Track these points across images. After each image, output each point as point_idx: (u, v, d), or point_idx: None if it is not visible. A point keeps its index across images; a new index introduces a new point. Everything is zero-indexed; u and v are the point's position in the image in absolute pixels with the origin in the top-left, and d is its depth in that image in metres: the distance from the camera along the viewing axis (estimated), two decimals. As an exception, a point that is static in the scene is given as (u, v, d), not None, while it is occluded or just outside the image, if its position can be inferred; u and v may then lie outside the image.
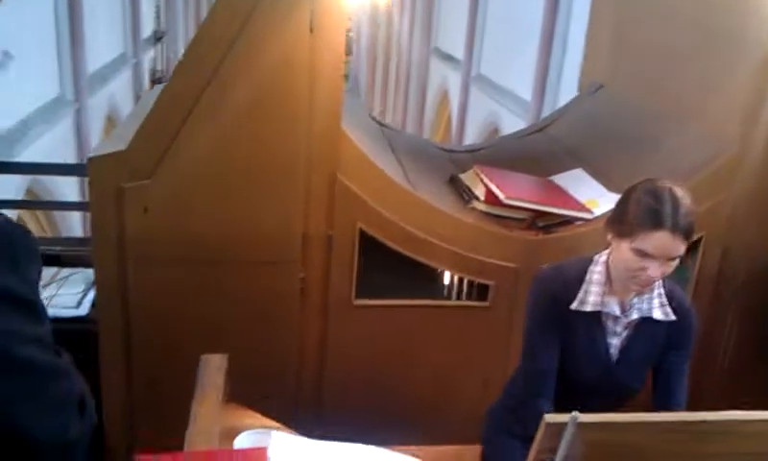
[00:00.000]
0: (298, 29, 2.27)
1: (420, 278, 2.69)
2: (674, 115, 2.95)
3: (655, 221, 1.78)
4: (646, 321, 2.00)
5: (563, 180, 3.01)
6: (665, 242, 1.78)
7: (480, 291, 2.69)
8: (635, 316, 1.99)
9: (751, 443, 1.31)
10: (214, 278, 2.46)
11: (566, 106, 3.73)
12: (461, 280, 2.74)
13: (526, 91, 10.41)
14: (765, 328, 2.71)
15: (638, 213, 1.82)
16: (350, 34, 21.27)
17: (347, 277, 2.55)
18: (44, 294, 3.01)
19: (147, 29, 14.25)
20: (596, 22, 3.70)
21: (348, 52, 21.44)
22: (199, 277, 2.45)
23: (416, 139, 4.99)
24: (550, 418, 1.25)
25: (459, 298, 2.75)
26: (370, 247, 2.55)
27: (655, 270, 1.82)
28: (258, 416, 1.70)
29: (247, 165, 2.37)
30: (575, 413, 1.22)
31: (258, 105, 2.32)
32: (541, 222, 2.72)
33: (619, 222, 1.89)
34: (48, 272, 3.15)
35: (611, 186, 2.87)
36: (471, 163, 3.09)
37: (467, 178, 2.96)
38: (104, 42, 11.13)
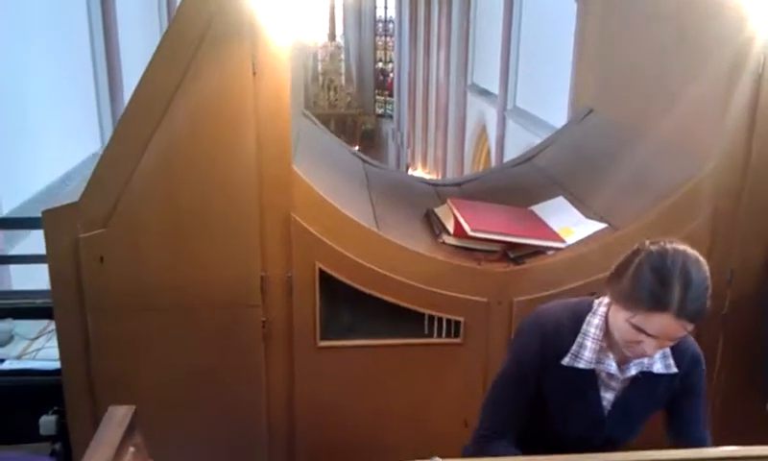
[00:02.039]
0: (240, 73, 2.28)
1: (393, 317, 2.62)
2: (653, 137, 2.84)
3: (658, 304, 1.58)
4: (646, 374, 1.81)
5: (542, 208, 2.92)
6: (667, 326, 1.59)
7: (454, 328, 2.61)
8: (633, 371, 1.80)
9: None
10: (174, 325, 2.45)
11: (556, 133, 3.64)
12: (432, 318, 2.66)
13: (561, 121, 10.27)
14: (755, 354, 2.53)
15: (640, 290, 1.60)
16: (391, 74, 21.53)
17: (309, 318, 2.50)
18: (32, 347, 3.08)
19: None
20: (583, 48, 3.63)
21: (390, 92, 21.69)
22: (158, 324, 2.44)
23: (399, 174, 4.95)
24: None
25: (433, 335, 2.67)
26: (338, 287, 2.51)
27: (650, 348, 1.64)
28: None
29: (200, 210, 2.37)
30: (436, 458, 1.15)
31: (207, 150, 2.32)
32: (513, 253, 2.63)
33: (619, 289, 1.68)
34: (38, 325, 3.22)
35: (588, 213, 2.77)
36: (458, 196, 3.04)
37: (441, 212, 2.90)
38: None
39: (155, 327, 2.44)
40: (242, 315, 2.47)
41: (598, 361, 1.78)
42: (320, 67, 21.86)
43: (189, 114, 2.29)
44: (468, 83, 15.51)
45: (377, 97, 22.59)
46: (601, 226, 2.65)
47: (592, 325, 1.79)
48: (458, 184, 3.50)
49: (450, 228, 2.72)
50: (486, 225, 2.64)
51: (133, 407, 1.61)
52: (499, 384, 1.91)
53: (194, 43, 2.25)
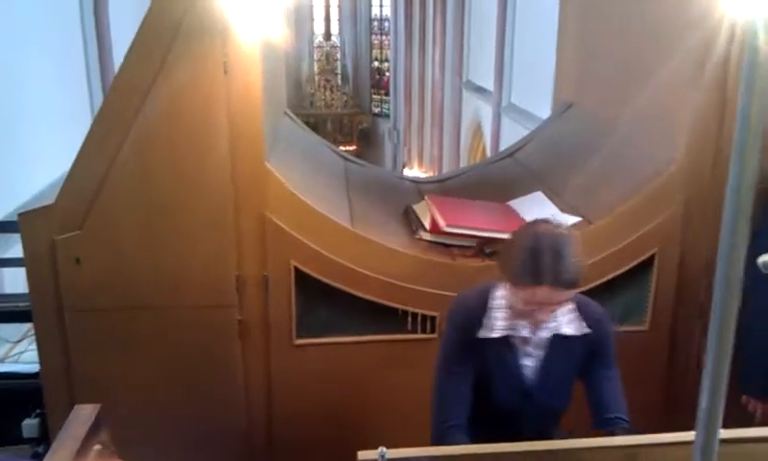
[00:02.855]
0: (213, 72, 2.29)
1: (369, 313, 2.62)
2: (626, 127, 2.85)
3: (535, 279, 1.76)
4: (560, 338, 1.94)
5: (520, 203, 2.93)
6: (548, 295, 1.77)
7: (430, 323, 2.62)
8: (544, 334, 1.93)
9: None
10: (151, 325, 2.46)
11: (537, 128, 3.66)
12: (408, 313, 2.67)
13: (552, 116, 10.26)
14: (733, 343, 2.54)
15: (519, 269, 1.79)
16: (387, 73, 21.52)
17: (285, 316, 2.52)
18: (15, 350, 3.09)
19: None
20: (563, 42, 3.63)
21: (386, 91, 21.68)
22: (136, 324, 2.45)
23: (381, 172, 4.96)
24: (363, 454, 1.19)
25: (408, 331, 2.68)
26: (313, 285, 2.52)
27: (544, 314, 1.82)
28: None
29: (174, 210, 2.38)
30: (383, 448, 1.17)
31: (180, 150, 2.34)
32: (488, 248, 2.64)
33: (504, 270, 1.86)
34: (21, 328, 3.23)
35: (564, 207, 2.79)
36: (438, 193, 3.05)
37: (419, 208, 2.92)
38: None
39: (132, 327, 2.46)
40: (218, 314, 2.48)
41: (511, 328, 1.93)
42: (315, 67, 21.85)
43: (162, 114, 2.31)
44: (464, 80, 15.48)
45: (374, 96, 22.57)
46: (576, 219, 2.66)
47: (497, 297, 1.95)
48: (440, 181, 3.51)
49: (427, 224, 2.73)
50: (461, 220, 2.65)
51: (98, 406, 1.63)
52: (439, 376, 2.04)
53: (165, 43, 2.26)
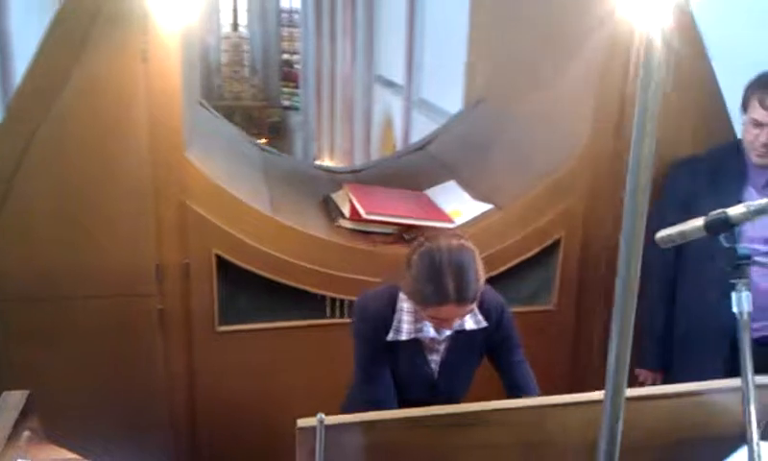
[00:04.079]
0: (131, 60, 2.28)
1: (292, 300, 2.67)
2: (534, 120, 3.02)
3: (439, 299, 1.81)
4: (462, 333, 2.01)
5: (434, 192, 3.05)
6: (453, 311, 1.83)
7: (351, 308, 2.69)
8: (448, 332, 2.00)
9: (510, 431, 1.32)
10: (70, 314, 2.43)
11: (447, 123, 3.79)
12: (331, 299, 2.74)
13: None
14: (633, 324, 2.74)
15: (422, 289, 1.83)
16: (297, 66, 21.40)
17: (207, 304, 2.54)
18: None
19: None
20: (475, 39, 3.78)
21: (297, 84, 21.55)
22: (55, 314, 2.42)
23: (298, 163, 5.02)
24: (302, 422, 1.25)
25: (331, 316, 2.74)
26: (236, 273, 2.55)
27: (450, 324, 1.89)
28: (64, 451, 1.66)
29: (92, 198, 2.36)
30: (321, 414, 1.23)
31: (98, 137, 2.32)
32: (407, 235, 2.74)
33: (408, 290, 1.90)
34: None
35: (475, 195, 2.92)
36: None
37: (338, 197, 2.98)
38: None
39: (52, 317, 2.42)
40: (137, 303, 2.48)
41: (417, 330, 2.00)
42: (223, 58, 21.46)
43: (79, 101, 2.28)
44: (374, 74, 15.60)
45: (284, 89, 22.35)
46: (487, 207, 2.80)
47: (404, 301, 1.99)
48: (354, 172, 3.58)
49: (346, 212, 2.80)
50: (380, 208, 2.74)
51: (27, 392, 1.62)
52: (359, 378, 2.10)
53: (83, 29, 2.24)
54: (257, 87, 21.91)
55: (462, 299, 1.80)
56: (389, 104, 14.55)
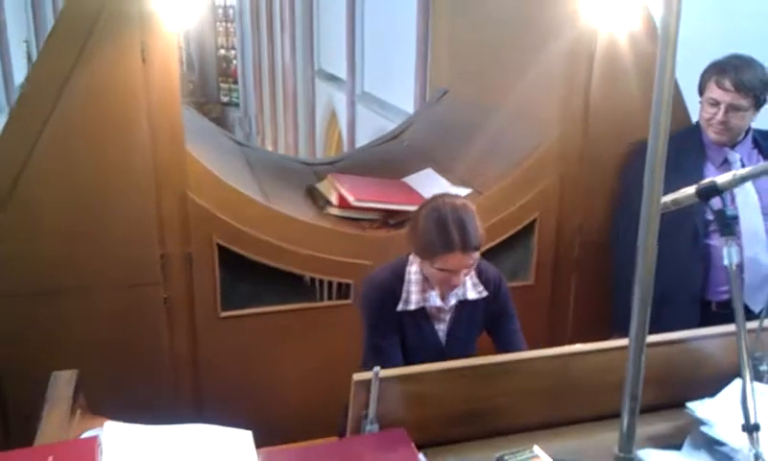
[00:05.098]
0: (131, 60, 2.37)
1: (289, 284, 2.80)
2: (505, 109, 3.23)
3: (446, 247, 1.97)
4: (464, 302, 2.20)
5: (413, 180, 3.22)
6: (460, 260, 1.98)
7: (345, 290, 2.84)
8: (453, 301, 2.18)
9: (538, 378, 1.51)
10: (78, 307, 2.51)
11: (416, 113, 3.98)
12: (327, 282, 2.87)
13: (408, 104, 10.71)
14: (602, 296, 2.97)
15: (430, 242, 1.99)
16: (234, 61, 21.23)
17: (210, 291, 2.65)
18: None
19: (20, 75, 13.77)
20: (437, 32, 3.97)
21: (235, 80, 21.39)
22: (62, 307, 2.49)
23: (276, 156, 5.15)
24: (357, 376, 1.41)
25: (325, 298, 2.88)
26: (235, 260, 2.66)
27: (458, 278, 2.04)
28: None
29: (97, 194, 2.44)
30: (377, 368, 1.38)
31: (101, 135, 2.40)
32: (392, 220, 2.91)
33: (416, 246, 2.07)
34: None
35: (454, 180, 3.11)
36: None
37: (322, 186, 3.13)
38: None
39: (58, 309, 2.49)
40: (144, 293, 2.57)
41: (424, 300, 2.16)
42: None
43: (82, 100, 2.36)
44: (316, 68, 15.66)
45: (222, 85, 22.17)
46: (467, 191, 2.99)
47: (412, 272, 2.15)
48: (331, 163, 3.73)
49: (334, 200, 2.95)
50: (366, 195, 2.90)
51: (76, 371, 1.71)
52: (368, 355, 2.21)
53: (85, 29, 2.31)
54: (195, 84, 21.65)
55: (466, 246, 1.96)
56: (332, 98, 14.64)
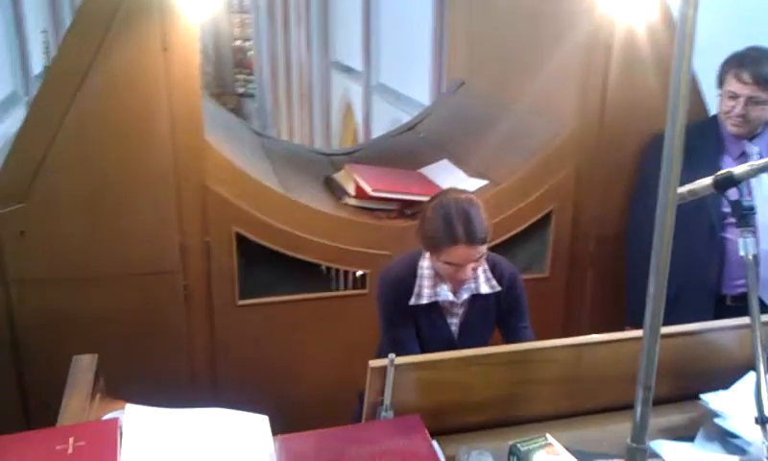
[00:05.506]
0: (151, 49, 2.40)
1: (306, 273, 2.83)
2: (522, 100, 3.23)
3: (450, 240, 1.99)
4: (477, 296, 2.21)
5: (429, 170, 3.24)
6: (465, 253, 2.00)
7: (361, 280, 2.87)
8: (465, 295, 2.19)
9: (551, 368, 1.53)
10: (97, 294, 2.55)
11: (432, 105, 3.99)
12: (342, 271, 2.90)
13: (423, 96, 10.70)
14: (618, 289, 2.98)
15: (435, 234, 2.02)
16: (250, 53, 21.28)
17: (228, 280, 2.68)
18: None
19: (38, 65, 13.89)
20: (453, 23, 3.98)
21: (250, 71, 21.44)
22: (82, 295, 2.53)
23: (294, 146, 5.19)
24: (373, 363, 1.43)
25: (342, 288, 2.90)
26: (253, 249, 2.70)
27: (466, 272, 2.05)
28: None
29: (117, 182, 2.47)
30: (392, 355, 1.41)
31: (121, 123, 2.43)
32: (409, 210, 2.93)
33: (423, 240, 2.10)
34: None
35: (469, 172, 3.12)
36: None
37: (340, 177, 3.15)
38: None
39: (78, 296, 2.53)
40: (163, 281, 2.61)
41: (437, 294, 2.17)
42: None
43: (103, 89, 2.39)
44: (331, 60, 15.68)
45: (237, 76, 22.25)
46: (483, 182, 3.00)
47: (424, 267, 2.17)
48: (348, 153, 3.75)
49: (351, 190, 2.98)
50: (384, 185, 2.92)
51: (96, 355, 1.75)
52: (385, 348, 2.15)
53: (106, 20, 2.35)
54: (210, 75, 21.73)
55: (471, 239, 1.98)
56: (347, 89, 14.65)
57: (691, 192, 1.59)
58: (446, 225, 1.99)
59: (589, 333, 2.99)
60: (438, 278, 2.16)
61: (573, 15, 2.86)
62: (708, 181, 1.57)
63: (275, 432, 1.85)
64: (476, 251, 2.02)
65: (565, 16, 2.94)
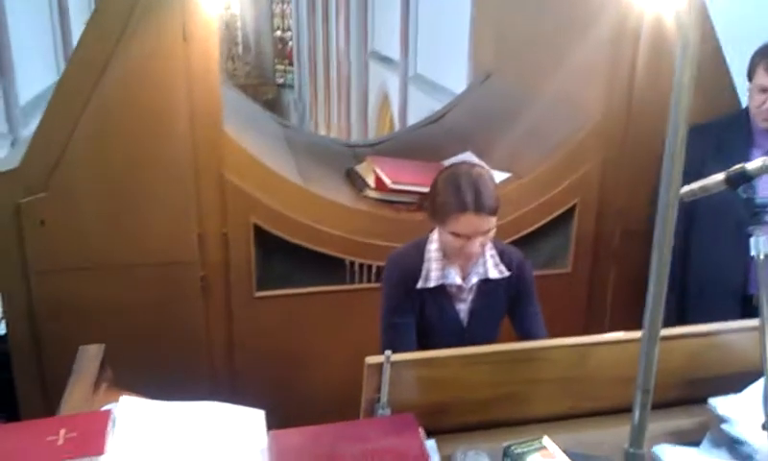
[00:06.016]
0: (171, 40, 2.41)
1: (324, 266, 2.82)
2: (548, 92, 3.17)
3: (459, 207, 1.96)
4: (486, 282, 2.17)
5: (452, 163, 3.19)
6: (473, 222, 1.97)
7: (379, 273, 2.84)
8: (474, 280, 2.16)
9: (551, 368, 1.49)
10: (116, 284, 2.58)
11: (458, 97, 3.94)
12: (360, 264, 2.89)
13: (460, 86, 10.60)
14: (642, 287, 2.90)
15: (444, 202, 2.00)
16: (290, 43, 21.38)
17: (245, 271, 2.69)
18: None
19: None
20: (480, 15, 3.91)
21: (290, 61, 21.55)
22: (101, 284, 2.56)
23: (317, 137, 5.18)
24: (369, 359, 1.41)
25: (360, 281, 2.89)
26: (271, 241, 2.70)
27: (472, 245, 2.01)
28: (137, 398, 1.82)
29: (136, 172, 2.50)
30: (388, 352, 1.39)
31: (141, 114, 2.45)
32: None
33: (431, 210, 2.08)
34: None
35: (493, 165, 3.06)
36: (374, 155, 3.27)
37: (362, 169, 3.13)
38: (36, 71, 11.08)
39: (97, 286, 2.56)
40: (181, 271, 2.63)
41: (444, 277, 2.14)
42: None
43: (123, 80, 2.41)
44: (369, 50, 15.66)
45: (277, 66, 22.39)
46: (506, 175, 2.96)
47: (431, 250, 2.14)
48: (372, 145, 3.73)
49: (371, 182, 2.96)
50: (404, 178, 2.89)
51: (103, 345, 1.76)
52: (386, 332, 2.21)
53: (126, 11, 2.36)
54: (251, 65, 21.92)
55: (479, 208, 1.95)
56: (385, 80, 14.62)
57: (702, 188, 1.52)
58: (456, 192, 1.97)
59: (610, 327, 2.98)
60: (446, 260, 2.13)
61: (601, 6, 2.79)
62: (719, 176, 1.50)
63: (287, 425, 1.84)
64: (484, 221, 1.98)
65: (593, 7, 2.86)
